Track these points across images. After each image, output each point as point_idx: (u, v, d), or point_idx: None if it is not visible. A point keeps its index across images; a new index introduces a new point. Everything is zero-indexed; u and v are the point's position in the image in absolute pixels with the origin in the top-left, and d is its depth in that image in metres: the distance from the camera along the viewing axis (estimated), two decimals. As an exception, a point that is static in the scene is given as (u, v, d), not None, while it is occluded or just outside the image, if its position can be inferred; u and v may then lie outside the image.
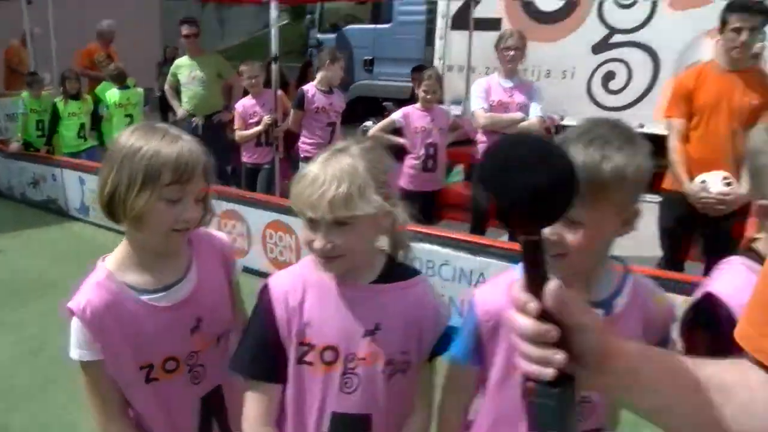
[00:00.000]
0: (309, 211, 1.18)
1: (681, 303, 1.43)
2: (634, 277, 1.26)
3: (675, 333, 1.31)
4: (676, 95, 3.52)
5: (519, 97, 4.22)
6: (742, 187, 3.08)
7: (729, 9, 3.29)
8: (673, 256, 3.53)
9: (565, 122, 7.66)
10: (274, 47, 4.94)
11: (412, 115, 4.37)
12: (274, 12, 4.80)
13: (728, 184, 3.14)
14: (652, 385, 0.70)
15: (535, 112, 4.19)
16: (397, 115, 4.36)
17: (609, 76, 7.29)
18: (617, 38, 7.21)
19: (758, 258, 1.26)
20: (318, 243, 1.19)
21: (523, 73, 7.69)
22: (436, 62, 8.39)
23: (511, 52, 4.22)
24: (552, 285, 0.64)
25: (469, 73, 7.66)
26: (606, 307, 1.21)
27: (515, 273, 1.24)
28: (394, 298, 1.29)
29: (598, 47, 7.38)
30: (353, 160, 1.20)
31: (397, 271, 1.31)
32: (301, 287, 1.28)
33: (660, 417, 0.72)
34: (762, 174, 1.24)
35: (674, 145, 3.45)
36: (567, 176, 0.61)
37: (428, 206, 4.34)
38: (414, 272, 1.33)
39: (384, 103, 8.79)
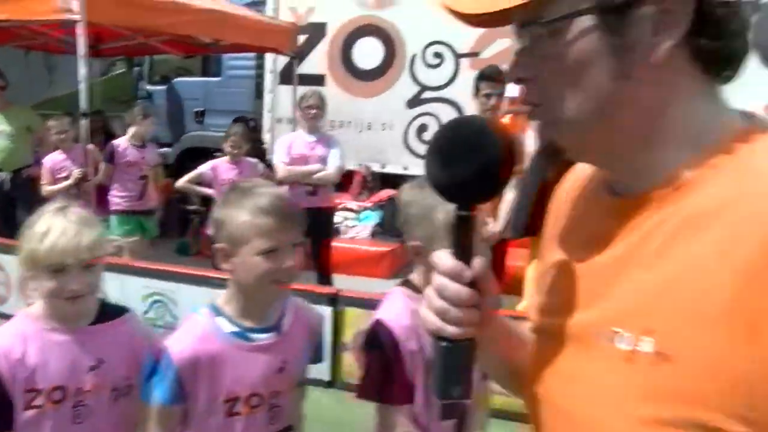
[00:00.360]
0: (67, 259, 1.37)
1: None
2: (290, 296, 1.56)
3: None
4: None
5: (320, 150, 4.60)
6: (497, 225, 3.61)
7: (479, 78, 3.91)
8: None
9: (387, 170, 8.32)
10: (83, 103, 4.95)
11: (220, 167, 4.60)
12: (82, 69, 4.82)
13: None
14: (518, 343, 0.83)
15: (334, 163, 4.59)
16: (205, 168, 4.57)
17: (422, 128, 8.00)
18: (428, 94, 7.99)
19: (414, 288, 1.61)
20: (75, 285, 1.39)
21: (324, 127, 8.33)
22: (266, 115, 8.72)
23: (313, 111, 4.60)
24: (479, 259, 0.71)
25: (295, 125, 8.03)
26: (277, 330, 1.49)
27: (196, 320, 1.49)
28: (111, 335, 1.49)
29: (412, 102, 8.13)
30: (80, 211, 1.43)
31: (108, 311, 1.52)
32: (20, 342, 1.44)
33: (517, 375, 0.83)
34: (410, 222, 1.59)
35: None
36: (492, 168, 0.67)
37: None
38: (122, 310, 1.55)
39: (215, 154, 8.89)
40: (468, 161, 0.68)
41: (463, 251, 0.71)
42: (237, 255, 1.38)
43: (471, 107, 7.81)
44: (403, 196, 1.63)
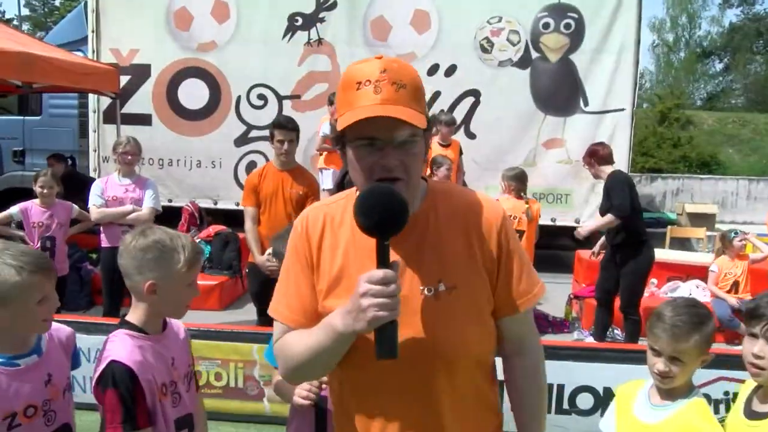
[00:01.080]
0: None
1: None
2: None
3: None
4: (247, 189, 4.53)
5: (135, 193, 4.85)
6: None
7: (273, 125, 4.42)
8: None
9: (219, 205, 8.60)
10: None
11: (30, 209, 4.70)
12: None
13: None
14: None
15: (148, 204, 4.86)
16: (15, 209, 4.65)
17: (251, 165, 8.39)
18: (254, 133, 8.44)
19: (133, 327, 1.80)
20: None
21: (154, 165, 8.49)
22: (92, 154, 8.67)
23: (129, 157, 4.85)
24: (382, 271, 1.20)
25: (121, 164, 8.07)
26: (37, 352, 1.84)
27: None
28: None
29: (240, 141, 8.53)
30: None
31: None
32: None
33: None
34: (146, 264, 1.89)
35: (249, 227, 4.42)
36: (397, 215, 1.22)
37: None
38: None
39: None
40: (388, 212, 1.21)
41: (386, 265, 1.23)
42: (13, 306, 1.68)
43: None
44: (137, 244, 1.80)
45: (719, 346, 5.77)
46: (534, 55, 8.03)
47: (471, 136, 8.16)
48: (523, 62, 8.02)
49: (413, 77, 1.31)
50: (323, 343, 1.30)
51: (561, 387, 3.74)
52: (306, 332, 1.36)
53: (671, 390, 1.79)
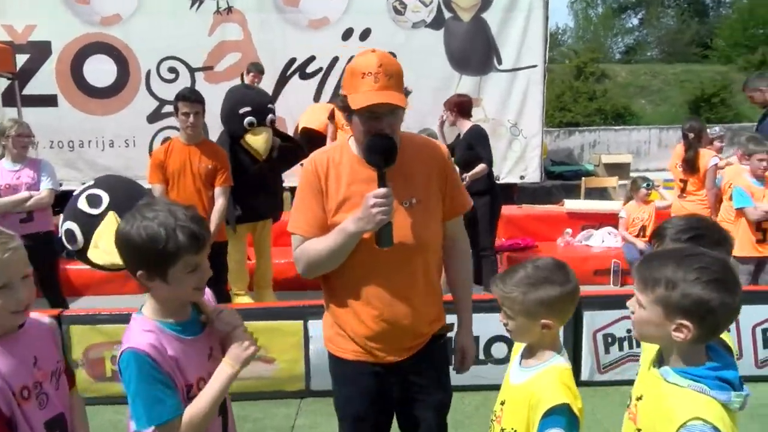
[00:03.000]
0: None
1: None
2: None
3: None
4: (152, 166, 4.40)
5: (27, 177, 4.61)
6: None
7: (176, 98, 4.29)
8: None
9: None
10: None
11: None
12: None
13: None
14: None
15: (46, 186, 4.65)
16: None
17: (166, 140, 8.07)
18: (167, 108, 8.12)
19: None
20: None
21: (63, 148, 8.11)
22: (-6, 139, 8.19)
23: (25, 139, 4.61)
24: (384, 189, 1.86)
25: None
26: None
27: None
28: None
29: (153, 117, 8.24)
30: None
31: None
32: None
33: None
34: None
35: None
36: (388, 154, 1.88)
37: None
38: None
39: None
40: (387, 151, 1.89)
41: (384, 186, 1.86)
42: None
43: (209, 119, 8.30)
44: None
45: (629, 287, 6.12)
46: (447, 15, 8.06)
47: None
48: (437, 23, 8.04)
49: (398, 69, 1.91)
50: (338, 242, 1.92)
51: (476, 339, 3.87)
52: (322, 238, 1.97)
53: (532, 350, 1.78)
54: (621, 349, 3.95)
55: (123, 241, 1.58)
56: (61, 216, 3.85)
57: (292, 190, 8.40)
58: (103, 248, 3.52)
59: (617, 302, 3.95)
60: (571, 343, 3.92)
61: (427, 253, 2.06)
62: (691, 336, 1.38)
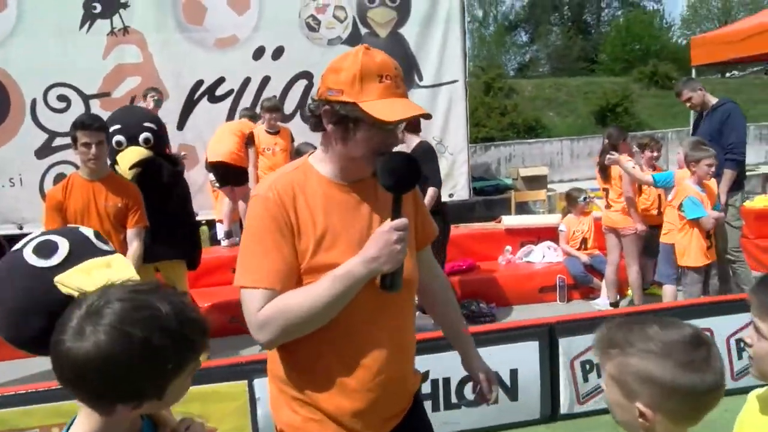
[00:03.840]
0: None
1: None
2: None
3: None
4: (49, 208, 3.70)
5: None
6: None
7: (74, 127, 3.61)
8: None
9: (25, 230, 7.30)
10: None
11: None
12: None
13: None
14: None
15: None
16: None
17: (60, 178, 7.21)
18: (59, 141, 7.23)
19: None
20: None
21: None
22: None
23: None
24: (404, 219, 1.52)
25: None
26: None
27: None
28: None
29: (42, 152, 7.30)
30: None
31: None
32: None
33: None
34: None
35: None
36: (413, 177, 1.55)
37: None
38: None
39: None
40: (410, 174, 1.55)
41: (400, 214, 1.53)
42: None
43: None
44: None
45: (576, 302, 5.95)
46: (363, 31, 7.72)
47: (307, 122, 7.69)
48: (353, 39, 7.66)
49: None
50: (339, 291, 1.49)
51: (447, 381, 3.45)
52: (303, 290, 1.53)
53: None
54: (600, 375, 3.64)
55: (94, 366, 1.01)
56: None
57: (210, 223, 7.82)
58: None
59: (592, 325, 3.65)
60: (547, 373, 3.57)
61: (413, 292, 1.77)
62: None
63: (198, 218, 7.40)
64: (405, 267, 1.56)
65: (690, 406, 1.15)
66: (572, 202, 6.14)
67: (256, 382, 3.24)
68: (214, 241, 7.45)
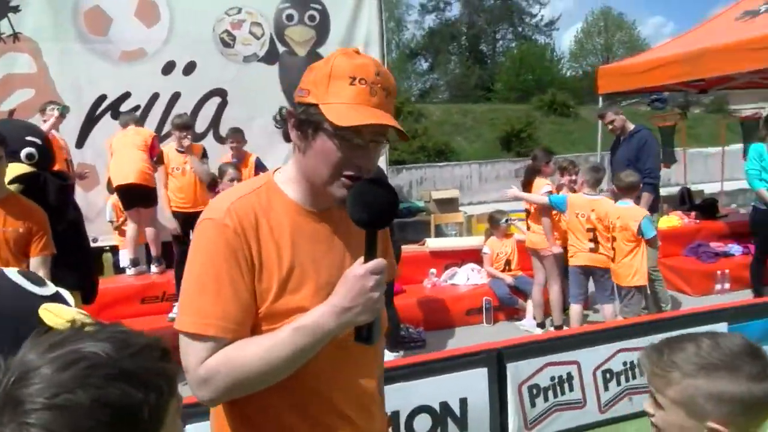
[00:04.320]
0: None
1: None
2: None
3: None
4: (-67, 234, 3.15)
5: None
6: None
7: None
8: None
9: None
10: None
11: None
12: None
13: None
14: None
15: None
16: None
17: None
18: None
19: None
20: None
21: None
22: None
23: None
24: (381, 260, 1.25)
25: None
26: None
27: None
28: None
29: None
30: None
31: None
32: None
33: None
34: None
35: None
36: (390, 210, 1.26)
37: None
38: None
39: None
40: (389, 208, 1.26)
41: (375, 253, 1.26)
42: None
43: None
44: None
45: (502, 323, 5.96)
46: (281, 49, 7.50)
47: (221, 140, 7.32)
48: (271, 56, 7.44)
49: (395, 86, 1.35)
50: (303, 345, 1.24)
51: (395, 413, 3.25)
52: (264, 339, 1.25)
53: None
54: (546, 399, 3.59)
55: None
56: None
57: (113, 250, 7.19)
58: None
59: (539, 348, 3.62)
60: (497, 400, 3.46)
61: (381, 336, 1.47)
62: None
63: (99, 244, 6.90)
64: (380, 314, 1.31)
65: (761, 416, 1.12)
66: (494, 224, 6.18)
67: (189, 429, 2.89)
68: (118, 269, 6.85)
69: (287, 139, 1.36)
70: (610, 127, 5.80)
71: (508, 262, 6.13)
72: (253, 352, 1.23)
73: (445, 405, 3.32)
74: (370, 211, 1.24)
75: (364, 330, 1.26)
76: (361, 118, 1.22)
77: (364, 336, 1.26)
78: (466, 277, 6.37)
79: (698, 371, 1.11)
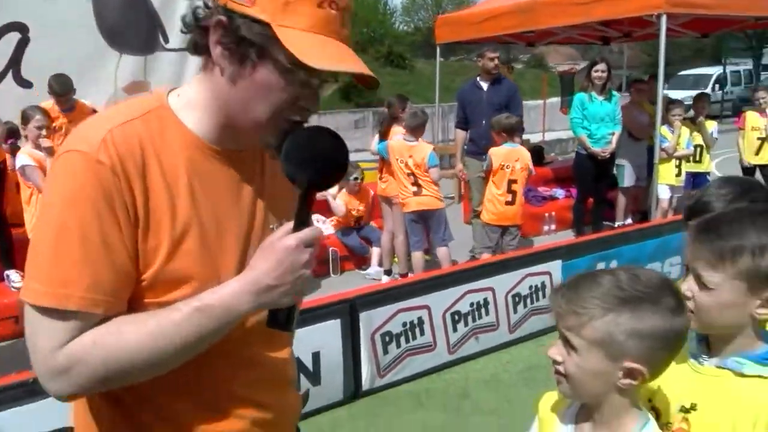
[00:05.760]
0: None
1: None
2: None
3: None
4: None
5: None
6: None
7: None
8: None
9: None
10: None
11: None
12: None
13: None
14: None
15: None
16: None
17: None
18: None
19: None
20: None
21: None
22: None
23: None
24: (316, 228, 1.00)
25: None
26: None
27: None
28: None
29: None
30: None
31: None
32: None
33: None
34: None
35: None
36: (339, 169, 1.01)
37: None
38: None
39: None
40: (336, 166, 1.01)
41: (307, 220, 1.00)
42: None
43: None
44: None
45: (348, 273, 5.91)
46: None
47: (25, 83, 6.37)
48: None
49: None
50: (208, 330, 0.97)
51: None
52: (151, 318, 0.96)
53: (599, 417, 1.12)
54: (398, 346, 3.58)
55: None
56: None
57: None
58: None
59: (390, 296, 3.58)
60: (350, 351, 3.38)
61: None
62: None
63: None
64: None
65: (675, 352, 1.07)
66: (344, 179, 6.05)
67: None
68: None
69: (195, 50, 1.02)
70: (493, 64, 5.81)
71: (359, 218, 6.04)
72: (135, 336, 0.95)
73: (297, 361, 3.17)
74: (313, 169, 0.98)
75: (282, 315, 1.00)
76: (335, 60, 0.95)
77: (282, 321, 1.00)
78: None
79: (621, 305, 1.02)
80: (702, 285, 1.11)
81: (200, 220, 1.02)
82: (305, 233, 0.97)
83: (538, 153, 8.68)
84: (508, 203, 5.03)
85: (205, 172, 1.03)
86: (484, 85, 5.89)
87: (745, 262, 1.08)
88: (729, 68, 21.90)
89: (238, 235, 1.06)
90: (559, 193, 7.51)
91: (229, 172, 1.06)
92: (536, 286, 4.14)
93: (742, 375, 1.11)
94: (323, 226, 6.21)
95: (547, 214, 6.97)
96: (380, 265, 5.72)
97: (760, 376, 1.10)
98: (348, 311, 3.35)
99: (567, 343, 1.06)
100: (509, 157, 4.99)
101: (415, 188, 5.02)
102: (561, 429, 1.16)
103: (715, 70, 21.43)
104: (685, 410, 1.16)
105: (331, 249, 5.83)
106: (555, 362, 1.08)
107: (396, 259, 5.68)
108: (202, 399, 1.07)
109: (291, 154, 0.98)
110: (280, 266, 0.96)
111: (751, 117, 6.82)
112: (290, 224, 0.98)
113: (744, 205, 1.24)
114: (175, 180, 1.00)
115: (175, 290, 0.99)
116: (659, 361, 1.05)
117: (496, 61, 5.87)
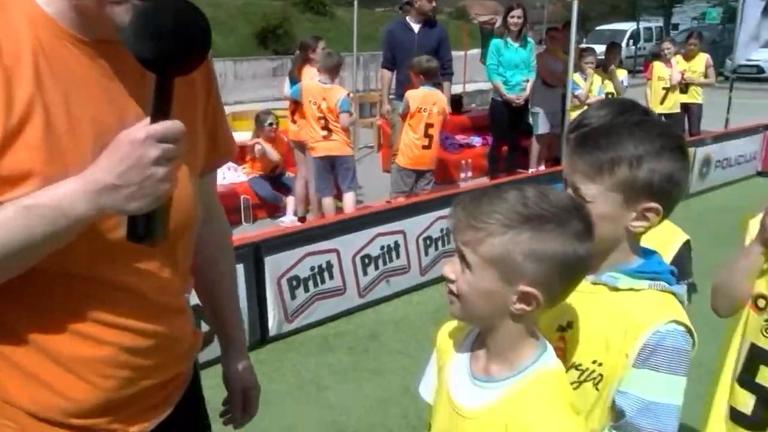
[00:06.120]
0: None
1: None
2: None
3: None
4: None
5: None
6: None
7: None
8: None
9: None
10: None
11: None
12: None
13: None
14: None
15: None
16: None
17: None
18: None
19: None
20: None
21: None
22: None
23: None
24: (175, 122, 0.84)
25: None
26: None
27: None
28: None
29: None
30: None
31: None
32: None
33: None
34: None
35: None
36: (195, 43, 0.84)
37: None
38: None
39: None
40: (192, 39, 0.84)
41: (167, 112, 0.85)
42: None
43: None
44: None
45: (261, 221, 5.75)
46: None
47: None
48: None
49: None
50: (38, 235, 0.84)
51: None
52: None
53: (494, 345, 1.03)
54: (307, 290, 3.49)
55: None
56: None
57: None
58: None
59: (297, 240, 3.47)
60: (255, 297, 3.27)
61: (190, 234, 1.11)
62: (658, 220, 1.09)
63: None
64: (177, 202, 0.93)
65: (573, 281, 0.99)
66: (259, 125, 5.83)
67: None
68: None
69: None
70: (430, 5, 5.68)
71: (275, 167, 5.85)
72: None
73: (197, 308, 3.03)
74: (161, 44, 0.82)
75: (140, 224, 0.86)
76: None
77: (140, 233, 0.86)
78: (222, 177, 5.97)
79: (523, 223, 0.92)
80: (580, 198, 1.06)
81: (47, 110, 0.86)
82: (158, 126, 0.83)
83: (457, 102, 8.67)
84: (425, 147, 4.96)
85: (58, 57, 0.88)
86: (415, 27, 5.72)
87: (623, 173, 1.04)
88: (642, 24, 22.58)
89: (102, 132, 0.89)
90: (476, 140, 7.55)
91: (99, 64, 0.92)
92: (448, 228, 4.13)
93: (617, 289, 1.08)
94: (233, 173, 6.00)
95: (463, 162, 6.99)
96: (295, 214, 5.60)
97: (632, 289, 1.08)
98: (252, 255, 3.22)
99: (463, 260, 0.97)
100: (427, 100, 4.90)
101: (324, 132, 4.88)
102: (457, 357, 1.09)
103: (629, 26, 22.04)
104: (561, 329, 1.13)
105: (242, 197, 5.63)
106: (448, 280, 1.00)
107: (311, 207, 5.57)
108: (57, 322, 0.94)
109: (136, 30, 0.82)
110: (123, 162, 0.82)
111: (658, 67, 7.03)
112: (148, 119, 0.84)
113: (621, 119, 1.19)
114: (16, 60, 0.85)
115: (14, 189, 0.84)
116: (557, 287, 0.96)
117: (434, 3, 5.75)
